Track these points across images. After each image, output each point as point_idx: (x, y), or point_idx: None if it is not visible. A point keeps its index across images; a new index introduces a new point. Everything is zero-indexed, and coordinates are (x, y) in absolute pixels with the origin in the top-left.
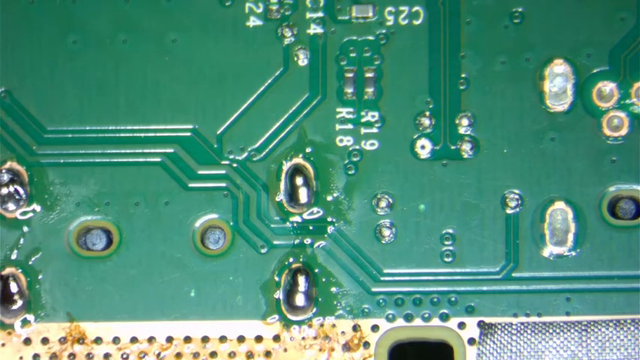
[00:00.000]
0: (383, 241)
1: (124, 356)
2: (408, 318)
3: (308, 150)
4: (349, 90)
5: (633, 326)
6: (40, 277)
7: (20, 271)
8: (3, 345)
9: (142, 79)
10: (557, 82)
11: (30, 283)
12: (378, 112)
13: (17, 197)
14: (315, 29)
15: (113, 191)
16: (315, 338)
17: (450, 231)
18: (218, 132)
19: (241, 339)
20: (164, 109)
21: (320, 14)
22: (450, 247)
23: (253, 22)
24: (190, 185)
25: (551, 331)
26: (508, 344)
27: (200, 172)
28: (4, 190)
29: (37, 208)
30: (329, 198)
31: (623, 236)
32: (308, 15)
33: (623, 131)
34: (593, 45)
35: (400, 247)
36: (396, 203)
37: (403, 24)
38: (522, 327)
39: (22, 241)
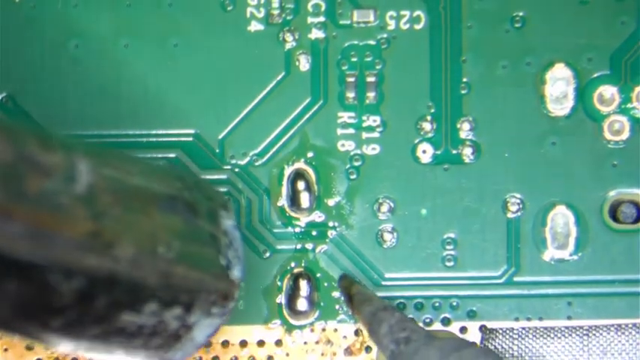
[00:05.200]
0: (384, 246)
1: None
2: None
3: (309, 155)
4: (350, 94)
5: (635, 331)
6: None
7: None
8: (6, 350)
9: (144, 83)
10: (558, 86)
11: None
12: (380, 116)
13: None
14: (316, 34)
15: None
16: (317, 343)
17: (452, 235)
18: (220, 137)
19: (243, 343)
20: (166, 114)
21: (321, 19)
22: (452, 252)
23: (254, 26)
24: None
25: (552, 335)
26: (509, 349)
27: (202, 176)
28: None
29: None
30: (330, 202)
31: (625, 240)
32: (309, 19)
33: (624, 135)
34: (593, 49)
35: (401, 252)
36: (397, 208)
37: (404, 28)
38: (524, 331)
39: None
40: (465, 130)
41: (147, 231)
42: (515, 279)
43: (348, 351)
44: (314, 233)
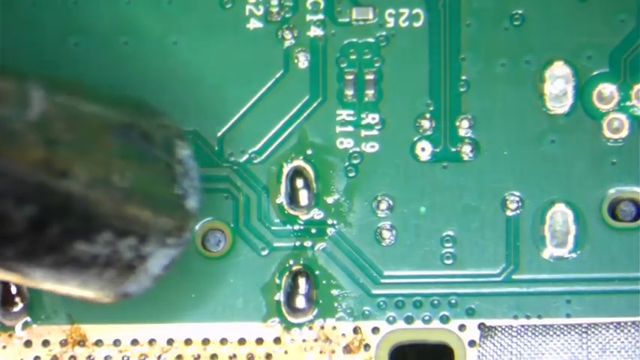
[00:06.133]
0: (383, 244)
1: (125, 359)
2: (409, 320)
3: (308, 152)
4: (349, 92)
5: (634, 328)
6: None
7: None
8: (4, 347)
9: (143, 81)
10: (558, 84)
11: None
12: (379, 114)
13: None
14: (315, 31)
15: None
16: (315, 340)
17: (451, 233)
18: (219, 134)
19: (242, 341)
20: (165, 112)
21: (320, 16)
22: (451, 250)
23: (254, 24)
24: None
25: (551, 333)
26: (508, 346)
27: (201, 174)
28: None
29: None
30: (329, 200)
31: (624, 238)
32: (308, 17)
33: (623, 133)
34: (593, 47)
35: (400, 250)
36: (396, 205)
37: (403, 26)
38: (523, 329)
39: None
40: (464, 127)
41: (101, 159)
42: (514, 277)
43: (347, 349)
44: (313, 231)
